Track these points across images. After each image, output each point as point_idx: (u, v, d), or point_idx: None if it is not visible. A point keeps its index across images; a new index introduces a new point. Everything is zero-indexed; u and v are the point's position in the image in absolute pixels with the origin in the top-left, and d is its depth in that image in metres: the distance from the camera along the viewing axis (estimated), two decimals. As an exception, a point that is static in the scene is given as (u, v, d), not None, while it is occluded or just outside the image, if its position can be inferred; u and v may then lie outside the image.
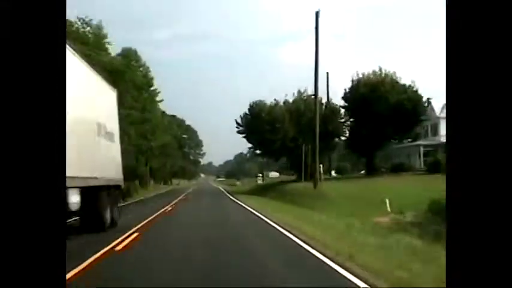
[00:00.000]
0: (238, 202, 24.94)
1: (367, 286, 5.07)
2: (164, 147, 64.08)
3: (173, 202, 25.79)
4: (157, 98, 52.59)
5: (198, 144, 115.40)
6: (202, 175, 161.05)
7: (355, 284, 5.17)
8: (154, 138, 49.71)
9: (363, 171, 43.32)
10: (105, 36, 35.23)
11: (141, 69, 47.30)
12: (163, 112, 70.37)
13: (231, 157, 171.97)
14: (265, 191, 38.19)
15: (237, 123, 45.17)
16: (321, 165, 32.25)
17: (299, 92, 41.69)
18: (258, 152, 49.42)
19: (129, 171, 44.31)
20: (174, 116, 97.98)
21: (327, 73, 41.76)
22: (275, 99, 43.59)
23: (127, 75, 40.94)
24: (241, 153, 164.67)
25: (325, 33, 39.51)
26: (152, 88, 49.14)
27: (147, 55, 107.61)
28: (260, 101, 44.26)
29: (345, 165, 55.64)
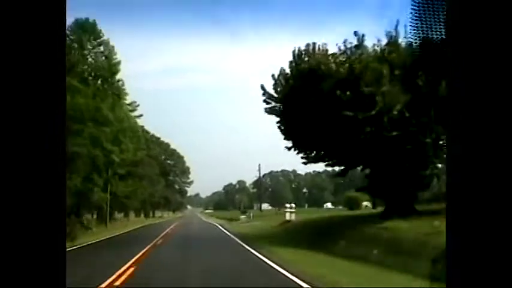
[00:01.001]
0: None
1: None
2: (137, 167, 49.34)
3: (127, 264, 12.80)
4: (136, 113, 42.24)
5: (185, 171, 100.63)
6: (189, 207, 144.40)
7: None
8: (118, 151, 35.35)
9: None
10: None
11: (101, 48, 33.53)
12: (142, 127, 56.69)
13: (219, 188, 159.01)
14: (319, 238, 18.22)
15: (265, 92, 21.87)
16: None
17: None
18: (305, 155, 21.98)
19: (76, 198, 28.46)
20: (158, 138, 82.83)
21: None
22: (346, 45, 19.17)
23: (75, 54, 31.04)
24: (230, 184, 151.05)
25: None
26: (119, 80, 35.29)
27: (133, 85, 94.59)
28: (314, 43, 20.68)
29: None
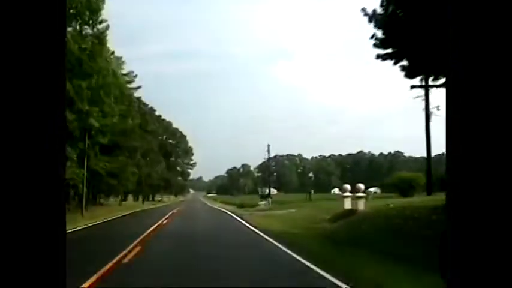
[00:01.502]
0: None
1: None
2: (127, 139, 41.20)
3: None
4: (134, 84, 34.55)
5: (188, 151, 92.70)
6: (191, 190, 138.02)
7: None
8: (98, 113, 27.25)
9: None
10: None
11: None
12: (139, 98, 49.93)
13: (222, 172, 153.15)
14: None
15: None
16: None
17: None
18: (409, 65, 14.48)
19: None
20: (159, 116, 75.71)
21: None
22: None
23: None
24: (234, 168, 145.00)
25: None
26: (102, 22, 27.22)
27: (136, 68, 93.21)
28: None
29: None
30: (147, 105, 63.85)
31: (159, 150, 68.66)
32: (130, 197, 61.71)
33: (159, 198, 78.98)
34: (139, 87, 42.61)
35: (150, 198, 73.01)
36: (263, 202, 41.63)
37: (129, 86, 40.07)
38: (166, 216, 28.15)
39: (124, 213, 33.74)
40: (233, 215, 31.24)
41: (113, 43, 32.55)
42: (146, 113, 61.13)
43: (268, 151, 63.61)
